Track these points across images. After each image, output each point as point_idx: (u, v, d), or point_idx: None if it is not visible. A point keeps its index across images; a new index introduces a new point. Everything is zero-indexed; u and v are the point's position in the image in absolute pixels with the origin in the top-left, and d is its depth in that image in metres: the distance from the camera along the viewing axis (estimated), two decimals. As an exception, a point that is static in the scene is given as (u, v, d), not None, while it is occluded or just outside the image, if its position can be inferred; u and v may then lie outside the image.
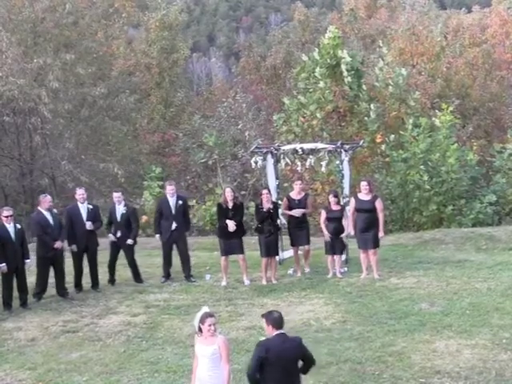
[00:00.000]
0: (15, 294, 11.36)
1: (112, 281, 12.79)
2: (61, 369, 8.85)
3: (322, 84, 20.52)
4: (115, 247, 12.70)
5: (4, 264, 10.93)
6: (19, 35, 21.91)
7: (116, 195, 12.69)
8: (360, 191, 12.55)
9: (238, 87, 32.29)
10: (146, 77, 31.76)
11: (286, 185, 18.56)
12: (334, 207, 12.54)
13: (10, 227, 11.11)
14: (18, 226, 11.28)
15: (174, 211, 12.62)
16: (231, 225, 12.17)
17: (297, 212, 12.86)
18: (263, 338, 6.62)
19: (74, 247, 12.13)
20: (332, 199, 12.54)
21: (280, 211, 13.33)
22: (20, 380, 8.60)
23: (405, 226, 18.77)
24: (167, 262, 12.90)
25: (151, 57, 32.03)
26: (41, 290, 11.79)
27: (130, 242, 12.52)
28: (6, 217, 11.08)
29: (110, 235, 12.57)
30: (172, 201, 12.68)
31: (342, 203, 13.00)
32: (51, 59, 20.95)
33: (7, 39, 20.68)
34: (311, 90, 21.10)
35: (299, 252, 13.15)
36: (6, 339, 10.03)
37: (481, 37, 32.60)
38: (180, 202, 12.72)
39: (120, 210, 12.57)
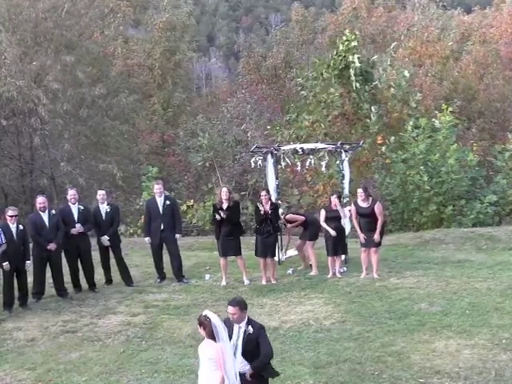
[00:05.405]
0: (15, 294, 11.37)
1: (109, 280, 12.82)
2: (60, 369, 8.84)
3: (332, 90, 20.58)
4: (105, 246, 12.67)
5: (7, 262, 10.96)
6: (19, 35, 21.88)
7: (100, 193, 12.67)
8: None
9: (241, 87, 32.33)
10: (147, 77, 31.73)
11: (285, 188, 18.62)
12: (335, 207, 12.56)
13: (13, 227, 11.14)
14: (21, 226, 11.30)
15: (161, 211, 12.54)
16: (218, 216, 12.13)
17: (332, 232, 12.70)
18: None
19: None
20: (334, 200, 12.55)
21: (280, 210, 13.38)
22: (19, 380, 8.60)
23: (405, 226, 18.78)
24: (158, 264, 12.85)
25: (154, 58, 31.98)
26: (39, 289, 11.80)
27: (105, 238, 12.44)
28: (11, 216, 11.13)
29: (105, 238, 12.48)
30: (160, 201, 12.62)
31: (342, 203, 13.04)
32: (51, 61, 20.93)
33: (7, 40, 20.67)
34: (317, 90, 21.15)
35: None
36: (6, 339, 10.03)
37: (492, 36, 32.42)
38: (168, 202, 12.66)
39: (104, 208, 12.56)
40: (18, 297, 11.40)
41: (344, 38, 21.06)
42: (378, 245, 12.41)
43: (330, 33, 34.87)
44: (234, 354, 6.69)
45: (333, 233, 12.45)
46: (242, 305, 6.71)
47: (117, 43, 30.39)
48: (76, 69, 21.81)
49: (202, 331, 6.55)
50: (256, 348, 6.62)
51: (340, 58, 20.73)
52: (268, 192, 12.73)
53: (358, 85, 20.45)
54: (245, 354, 6.69)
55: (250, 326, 6.69)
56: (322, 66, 21.23)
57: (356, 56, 20.53)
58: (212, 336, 6.53)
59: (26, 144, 23.02)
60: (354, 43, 20.72)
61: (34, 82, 21.33)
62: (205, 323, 6.50)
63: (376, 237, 12.24)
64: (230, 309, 6.70)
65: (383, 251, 13.19)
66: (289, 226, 13.61)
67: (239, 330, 6.71)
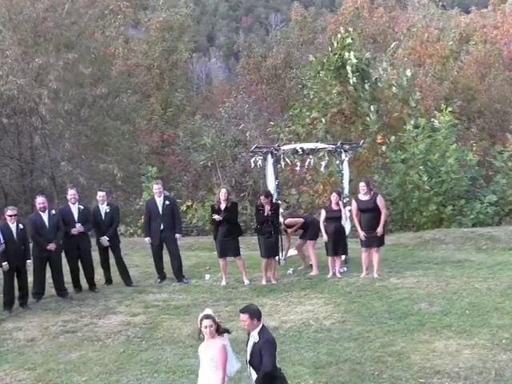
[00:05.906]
0: (15, 294, 11.37)
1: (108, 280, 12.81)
2: (60, 369, 8.84)
3: (329, 87, 20.60)
4: (104, 247, 12.66)
5: (6, 262, 10.96)
6: (19, 35, 21.89)
7: (100, 194, 12.66)
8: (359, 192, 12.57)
9: (240, 87, 32.34)
10: (146, 77, 31.76)
11: (284, 188, 18.60)
12: (335, 207, 12.56)
13: (13, 227, 11.14)
14: (21, 226, 11.30)
15: (161, 211, 12.52)
16: (217, 217, 12.13)
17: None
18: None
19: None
20: (333, 197, 12.56)
21: (281, 210, 13.38)
22: (19, 380, 8.60)
23: (405, 226, 18.77)
24: (158, 264, 12.84)
25: (152, 58, 32.01)
26: (39, 289, 11.79)
27: (105, 239, 12.43)
28: (10, 216, 11.13)
29: (104, 238, 12.47)
30: (159, 201, 12.60)
31: (342, 202, 13.04)
32: (53, 58, 20.93)
33: (9, 38, 20.67)
34: (316, 89, 21.16)
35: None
36: (6, 339, 10.03)
37: (494, 36, 32.40)
38: (167, 202, 12.64)
39: (103, 208, 12.57)
40: (18, 297, 11.40)
41: (339, 35, 21.08)
42: (381, 244, 12.38)
43: (330, 33, 34.87)
44: (246, 360, 6.68)
45: (325, 237, 12.48)
46: (251, 313, 6.61)
47: (117, 43, 30.41)
48: (77, 67, 21.81)
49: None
50: (260, 359, 6.54)
51: (335, 55, 20.76)
52: (267, 195, 12.47)
53: (354, 79, 20.46)
54: (251, 363, 6.66)
55: (257, 336, 6.62)
56: (319, 64, 21.26)
57: (352, 53, 20.55)
58: (223, 332, 6.56)
59: (27, 143, 23.02)
60: (349, 40, 20.74)
61: (35, 81, 21.33)
62: (217, 321, 6.54)
63: (379, 229, 12.17)
64: (241, 316, 6.66)
65: (383, 251, 13.17)
66: (289, 231, 13.59)
67: (251, 338, 6.69)
